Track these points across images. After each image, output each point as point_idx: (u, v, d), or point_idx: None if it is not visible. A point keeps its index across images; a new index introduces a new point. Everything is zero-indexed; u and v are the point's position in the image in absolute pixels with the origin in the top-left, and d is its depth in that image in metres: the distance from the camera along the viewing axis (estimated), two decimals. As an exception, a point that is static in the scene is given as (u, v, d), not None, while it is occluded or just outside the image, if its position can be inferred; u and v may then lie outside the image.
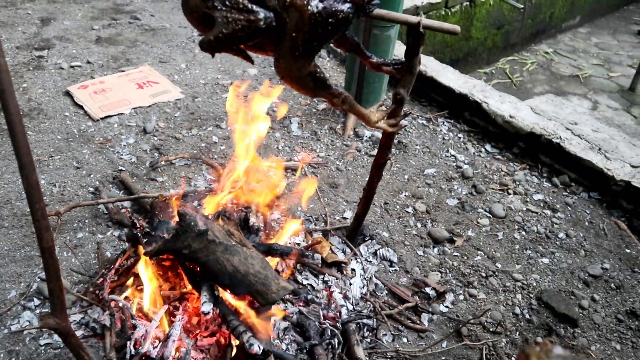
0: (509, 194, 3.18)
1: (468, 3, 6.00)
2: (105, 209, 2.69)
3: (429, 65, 4.09)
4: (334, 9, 1.42)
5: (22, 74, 3.85)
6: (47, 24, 4.61)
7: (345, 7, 1.45)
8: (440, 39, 5.95)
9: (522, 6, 5.91)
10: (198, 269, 1.92)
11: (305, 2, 1.38)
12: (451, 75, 4.00)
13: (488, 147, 3.59)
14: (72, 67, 3.98)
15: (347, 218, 2.81)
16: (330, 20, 1.42)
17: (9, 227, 2.57)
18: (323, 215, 2.79)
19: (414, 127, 3.68)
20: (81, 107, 3.49)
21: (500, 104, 3.69)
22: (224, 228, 1.90)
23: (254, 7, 1.36)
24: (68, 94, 3.63)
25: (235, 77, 4.01)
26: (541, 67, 7.06)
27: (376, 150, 3.39)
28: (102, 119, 3.39)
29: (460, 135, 3.67)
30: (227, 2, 1.34)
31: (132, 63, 4.12)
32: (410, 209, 2.97)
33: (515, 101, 3.76)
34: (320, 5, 1.40)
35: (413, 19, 1.73)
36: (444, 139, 3.61)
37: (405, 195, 3.07)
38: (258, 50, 1.53)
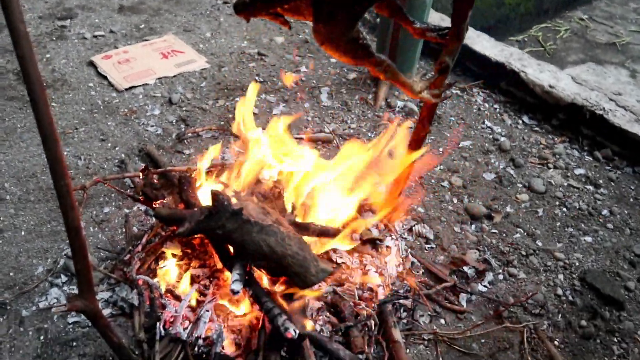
0: (549, 168, 3.03)
1: (502, -33, 5.73)
2: (131, 183, 2.62)
3: (464, 32, 3.89)
4: (380, -34, 1.29)
5: (45, 44, 3.77)
6: (69, -8, 4.51)
7: (393, -36, 1.31)
8: (471, 5, 5.69)
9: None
10: (231, 248, 1.84)
11: (349, -41, 1.25)
12: (487, 43, 3.81)
13: (525, 118, 3.42)
14: (95, 36, 3.89)
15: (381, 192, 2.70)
16: (376, -21, 1.29)
17: (34, 201, 2.51)
18: (355, 190, 2.69)
19: (448, 98, 3.52)
20: (105, 77, 3.41)
21: (539, 73, 3.50)
22: (259, 206, 1.81)
23: (294, -36, 1.23)
24: (92, 64, 3.55)
25: (262, 45, 3.88)
26: (575, 34, 6.73)
27: (409, 122, 3.26)
28: (126, 89, 3.30)
29: (496, 106, 3.51)
30: (264, -40, 1.22)
31: (155, 32, 4.01)
32: (445, 183, 2.84)
33: (555, 70, 3.57)
34: (366, -37, 1.27)
35: (463, -21, 1.58)
36: (479, 109, 3.45)
37: (440, 169, 2.94)
38: (295, 14, 1.41)
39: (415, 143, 2.08)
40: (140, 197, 2.06)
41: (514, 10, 6.36)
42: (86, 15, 4.20)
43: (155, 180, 2.03)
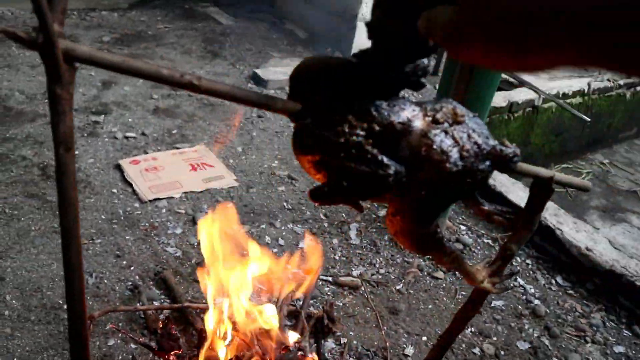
0: (587, 342, 2.82)
1: (531, 109, 5.83)
2: (142, 314, 2.41)
3: (498, 179, 3.83)
4: (474, 167, 1.17)
5: (75, 140, 3.72)
6: (108, 88, 4.55)
7: (486, 165, 1.20)
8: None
9: (589, 120, 5.70)
10: None
11: (444, 157, 1.14)
12: (521, 192, 3.72)
13: (559, 278, 3.25)
14: (126, 137, 3.84)
15: (409, 356, 2.48)
16: (468, 180, 1.17)
17: (34, 322, 2.30)
18: (382, 350, 2.46)
19: (478, 247, 3.38)
20: (130, 184, 3.30)
21: (576, 232, 3.38)
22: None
23: (385, 159, 1.11)
24: (119, 167, 3.46)
25: (293, 167, 3.79)
26: (597, 178, 6.73)
27: (440, 272, 3.09)
28: (150, 201, 3.18)
29: (528, 261, 3.35)
30: (352, 150, 1.10)
31: (187, 139, 3.97)
32: (477, 350, 2.62)
33: (592, 231, 3.45)
34: (460, 163, 1.15)
35: (545, 172, 1.47)
36: (511, 264, 3.29)
37: (471, 332, 2.73)
38: (375, 200, 1.28)
39: (460, 321, 1.89)
40: (154, 347, 1.86)
41: (540, 150, 6.41)
42: (121, 112, 4.19)
43: (173, 331, 1.84)
